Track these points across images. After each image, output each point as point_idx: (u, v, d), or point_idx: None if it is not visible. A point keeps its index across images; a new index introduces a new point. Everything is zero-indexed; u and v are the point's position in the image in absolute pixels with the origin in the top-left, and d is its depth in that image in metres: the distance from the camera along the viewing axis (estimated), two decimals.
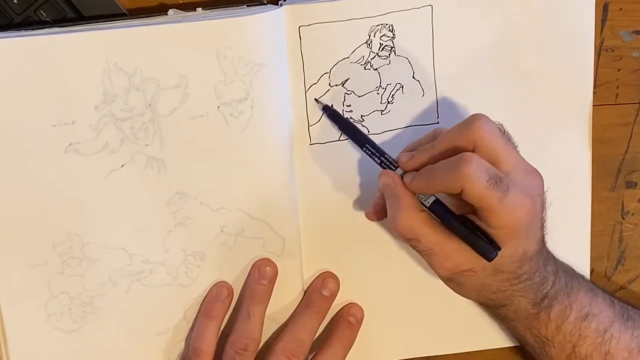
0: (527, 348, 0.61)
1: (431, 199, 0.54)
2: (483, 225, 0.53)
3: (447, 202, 0.55)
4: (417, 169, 0.55)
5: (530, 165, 0.55)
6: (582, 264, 0.65)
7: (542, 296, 0.57)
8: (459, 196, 0.52)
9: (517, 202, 0.52)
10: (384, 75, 0.60)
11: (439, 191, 0.54)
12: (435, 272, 0.56)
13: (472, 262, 0.54)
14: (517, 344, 0.66)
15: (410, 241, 0.55)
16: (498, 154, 0.53)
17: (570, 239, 0.64)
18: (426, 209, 0.55)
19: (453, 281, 0.57)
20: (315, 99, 0.59)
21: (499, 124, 0.55)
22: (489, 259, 0.53)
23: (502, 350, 0.66)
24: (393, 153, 0.57)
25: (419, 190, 0.55)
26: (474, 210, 0.53)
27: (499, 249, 0.53)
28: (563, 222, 0.63)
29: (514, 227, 0.53)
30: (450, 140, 0.54)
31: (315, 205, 0.61)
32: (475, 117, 0.53)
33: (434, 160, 0.54)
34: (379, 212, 0.59)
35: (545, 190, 0.55)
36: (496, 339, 0.66)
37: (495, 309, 0.59)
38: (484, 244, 0.53)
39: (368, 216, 0.60)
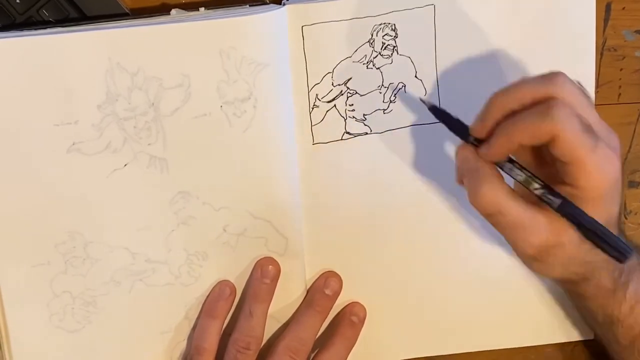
0: (596, 328, 0.60)
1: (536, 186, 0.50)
2: (567, 191, 0.50)
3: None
4: (490, 133, 0.51)
5: (606, 125, 0.52)
6: None
7: (620, 271, 0.55)
8: (535, 157, 0.50)
9: (609, 157, 0.49)
10: (386, 75, 0.60)
11: (523, 143, 0.49)
12: (519, 252, 0.53)
13: (560, 234, 0.51)
14: (520, 345, 0.66)
15: (493, 216, 0.51)
16: (581, 110, 0.49)
17: None
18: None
19: (538, 260, 0.53)
20: (420, 99, 0.57)
21: (578, 82, 0.51)
22: (623, 260, 0.49)
23: (505, 351, 0.66)
24: (392, 154, 0.57)
25: (498, 149, 0.50)
26: (552, 173, 0.50)
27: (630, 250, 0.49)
28: None
29: (604, 187, 0.49)
30: (528, 92, 0.50)
31: (318, 205, 0.61)
32: (556, 73, 0.50)
33: (507, 116, 0.50)
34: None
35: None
36: (499, 339, 0.66)
37: (577, 286, 0.56)
38: (619, 241, 0.49)
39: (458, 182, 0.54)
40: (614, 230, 0.51)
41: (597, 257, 0.52)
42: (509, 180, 0.52)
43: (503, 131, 0.50)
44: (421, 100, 0.57)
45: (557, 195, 0.50)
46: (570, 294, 0.61)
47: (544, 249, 0.52)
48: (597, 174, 0.49)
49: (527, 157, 0.53)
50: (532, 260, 0.53)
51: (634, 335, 0.57)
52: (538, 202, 0.51)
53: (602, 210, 0.50)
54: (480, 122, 0.52)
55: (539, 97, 0.49)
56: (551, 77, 0.50)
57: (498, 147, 0.51)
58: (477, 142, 0.52)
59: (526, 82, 0.51)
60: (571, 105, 0.49)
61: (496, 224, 0.52)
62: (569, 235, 0.51)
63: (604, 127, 0.51)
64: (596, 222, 0.50)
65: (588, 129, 0.49)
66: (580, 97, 0.50)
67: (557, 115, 0.48)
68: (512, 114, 0.50)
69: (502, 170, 0.52)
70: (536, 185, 0.51)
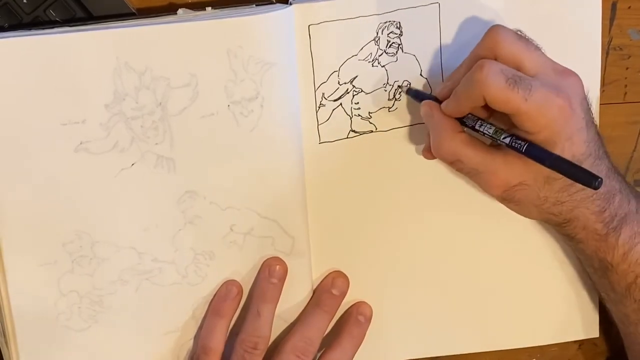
0: (594, 277, 0.60)
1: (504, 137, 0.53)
2: (523, 134, 0.52)
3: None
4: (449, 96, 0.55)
5: (562, 66, 0.54)
6: None
7: (610, 214, 0.55)
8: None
9: (546, 99, 0.51)
10: (392, 73, 0.60)
11: (468, 107, 0.54)
12: (489, 194, 0.56)
13: (520, 174, 0.54)
14: (525, 345, 0.66)
15: (454, 164, 0.56)
16: (518, 57, 0.53)
17: None
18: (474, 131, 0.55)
19: (509, 200, 0.56)
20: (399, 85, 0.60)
21: (517, 30, 0.54)
22: (593, 187, 0.50)
23: (510, 350, 0.66)
24: (397, 152, 0.57)
25: (453, 112, 0.55)
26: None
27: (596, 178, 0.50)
28: None
29: (551, 127, 0.52)
30: (472, 57, 0.55)
31: (325, 204, 0.61)
32: (491, 28, 0.54)
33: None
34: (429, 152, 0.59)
35: (586, 91, 0.54)
36: (504, 339, 0.66)
37: (562, 227, 0.57)
38: (584, 170, 0.51)
39: (424, 155, 0.59)
40: (594, 163, 0.54)
41: (572, 196, 0.54)
42: None
43: (452, 99, 0.55)
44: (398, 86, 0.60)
45: (522, 139, 0.52)
46: (565, 239, 0.60)
47: (508, 189, 0.55)
48: (538, 118, 0.51)
49: (486, 111, 0.55)
50: (503, 201, 0.56)
51: (628, 283, 0.58)
52: (497, 147, 0.54)
53: (562, 148, 0.52)
54: (442, 89, 0.57)
55: (480, 58, 0.53)
56: (486, 33, 0.54)
57: (453, 109, 0.55)
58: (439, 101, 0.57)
59: (472, 50, 0.56)
60: (505, 60, 0.52)
61: (460, 170, 0.56)
62: (532, 174, 0.54)
63: (551, 68, 0.53)
64: (559, 157, 0.51)
65: (515, 80, 0.51)
66: (515, 44, 0.53)
67: (479, 78, 0.51)
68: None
69: (468, 126, 0.55)
70: (503, 135, 0.53)
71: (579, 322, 0.66)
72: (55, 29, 0.56)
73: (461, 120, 0.56)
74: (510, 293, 0.65)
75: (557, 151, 0.52)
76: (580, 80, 0.54)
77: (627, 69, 0.64)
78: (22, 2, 0.57)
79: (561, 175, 0.52)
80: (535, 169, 0.53)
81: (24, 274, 0.59)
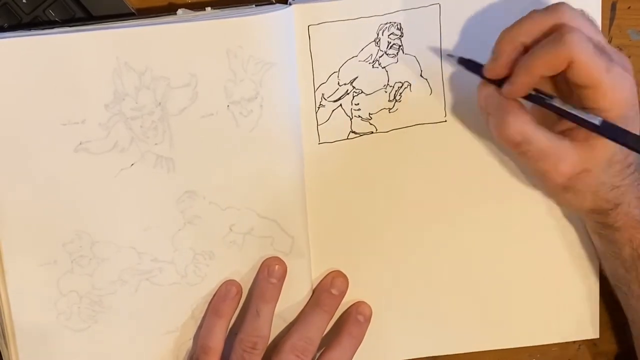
0: (617, 270, 0.59)
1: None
2: (593, 113, 0.51)
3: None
4: (506, 72, 0.53)
5: (615, 48, 0.53)
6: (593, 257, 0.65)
7: None
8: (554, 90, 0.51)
9: (622, 75, 0.50)
10: (392, 74, 0.60)
11: (543, 75, 0.51)
12: (549, 183, 0.54)
13: (586, 160, 0.52)
14: (525, 345, 0.66)
15: (520, 146, 0.52)
16: (590, 34, 0.51)
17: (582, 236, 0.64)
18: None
19: (570, 189, 0.54)
20: (448, 54, 0.58)
21: (581, 10, 0.53)
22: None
23: (510, 350, 0.66)
24: (397, 153, 0.57)
25: (521, 85, 0.52)
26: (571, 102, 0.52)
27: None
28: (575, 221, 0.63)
29: (623, 106, 0.51)
30: (536, 25, 0.51)
31: (324, 204, 0.61)
32: (559, 3, 0.52)
33: (520, 52, 0.51)
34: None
35: None
36: (504, 339, 0.66)
37: (608, 215, 0.56)
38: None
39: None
40: None
41: (624, 180, 0.54)
42: None
43: (523, 67, 0.51)
44: (448, 55, 0.59)
45: (592, 116, 0.51)
46: (600, 228, 0.59)
47: (574, 176, 0.53)
48: (614, 93, 0.50)
49: (547, 90, 0.54)
50: (563, 190, 0.54)
51: None
52: (562, 132, 0.53)
53: (635, 128, 0.52)
54: (494, 61, 0.53)
55: (547, 27, 0.51)
56: (556, 7, 0.52)
57: (520, 84, 0.52)
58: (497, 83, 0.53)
59: (531, 16, 0.52)
60: (581, 30, 0.50)
61: (524, 154, 0.53)
62: (596, 160, 0.52)
63: (614, 50, 0.53)
64: (637, 135, 0.50)
65: (601, 50, 0.50)
66: (587, 22, 0.52)
67: (571, 40, 0.49)
68: (525, 50, 0.51)
69: (531, 101, 0.53)
70: (570, 107, 0.51)
71: (580, 323, 0.66)
72: (55, 29, 0.56)
73: (527, 98, 0.53)
74: (510, 293, 0.65)
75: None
76: (631, 63, 0.54)
77: None
78: (21, 2, 0.57)
79: (619, 159, 0.52)
80: (598, 154, 0.52)
81: (24, 274, 0.59)
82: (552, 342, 0.67)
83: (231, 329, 0.62)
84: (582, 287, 0.65)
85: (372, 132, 0.61)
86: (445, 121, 0.61)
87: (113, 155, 0.57)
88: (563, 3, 0.52)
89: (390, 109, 0.61)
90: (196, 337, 0.62)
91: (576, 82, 0.51)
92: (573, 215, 0.63)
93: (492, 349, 0.66)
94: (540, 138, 0.52)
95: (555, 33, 0.50)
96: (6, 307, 0.59)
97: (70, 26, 0.56)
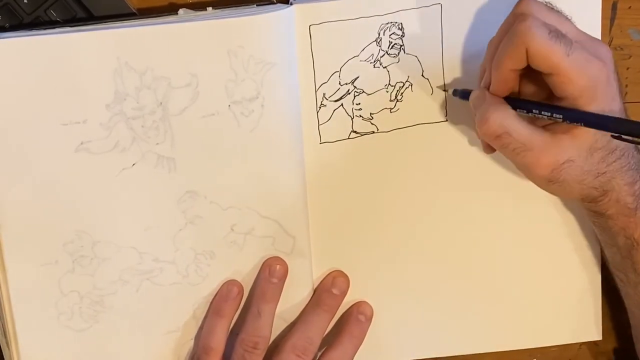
0: (616, 257, 0.59)
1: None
2: (563, 104, 0.52)
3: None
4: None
5: (593, 37, 0.53)
6: (594, 258, 0.65)
7: None
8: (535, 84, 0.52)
9: (587, 59, 0.51)
10: (393, 73, 0.60)
11: (509, 71, 0.52)
12: (533, 176, 0.55)
13: (567, 151, 0.53)
14: (526, 347, 0.66)
15: (501, 138, 0.53)
16: (552, 22, 0.52)
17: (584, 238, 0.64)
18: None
19: (554, 181, 0.54)
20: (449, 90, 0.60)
21: (546, 2, 0.54)
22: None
23: (510, 352, 0.66)
24: (398, 153, 0.57)
25: (498, 83, 0.53)
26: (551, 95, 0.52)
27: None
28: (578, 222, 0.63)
29: (593, 88, 0.51)
30: (504, 26, 0.53)
31: (325, 204, 0.61)
32: (519, 1, 0.53)
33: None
34: (490, 146, 0.57)
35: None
36: (505, 340, 0.66)
37: (597, 202, 0.56)
38: (630, 121, 0.50)
39: (485, 151, 0.58)
40: None
41: (610, 166, 0.54)
42: None
43: (493, 65, 0.53)
44: (445, 91, 0.60)
45: (575, 114, 0.52)
46: (593, 216, 0.59)
47: (556, 168, 0.53)
48: (578, 78, 0.51)
49: (539, 95, 0.54)
50: (548, 182, 0.55)
51: None
52: (544, 126, 0.53)
53: (602, 110, 0.52)
54: (482, 69, 0.56)
55: (511, 23, 0.52)
56: (517, 6, 0.53)
57: (496, 81, 0.53)
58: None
59: (500, 27, 0.54)
60: (538, 17, 0.51)
61: (505, 146, 0.53)
62: (577, 150, 0.53)
63: (584, 37, 0.53)
64: (603, 115, 0.51)
65: (558, 35, 0.50)
66: (549, 11, 0.52)
67: (522, 27, 0.50)
68: None
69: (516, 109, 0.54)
70: (557, 115, 0.52)
71: (583, 325, 0.66)
72: (56, 29, 0.56)
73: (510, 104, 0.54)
74: (512, 294, 0.65)
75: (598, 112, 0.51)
76: (610, 50, 0.54)
77: (627, 69, 0.64)
78: (22, 2, 0.57)
79: (601, 145, 0.52)
80: (579, 144, 0.53)
81: (25, 274, 0.59)
82: (554, 344, 0.67)
83: (232, 329, 0.62)
84: (584, 289, 0.65)
85: (374, 132, 0.61)
86: (447, 121, 0.61)
87: (114, 155, 0.57)
88: (523, 0, 0.53)
89: (391, 108, 0.61)
90: (197, 337, 0.62)
91: (540, 70, 0.51)
92: (576, 215, 0.63)
93: (493, 350, 0.66)
94: (521, 131, 0.53)
95: (514, 24, 0.51)
96: (7, 307, 0.59)
97: (71, 26, 0.56)
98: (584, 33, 0.54)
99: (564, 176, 0.54)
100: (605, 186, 0.55)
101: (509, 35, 0.51)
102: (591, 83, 0.51)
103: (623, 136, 0.50)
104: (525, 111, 0.54)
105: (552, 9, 0.53)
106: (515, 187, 0.62)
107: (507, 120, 0.53)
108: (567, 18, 0.54)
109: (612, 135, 0.50)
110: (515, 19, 0.52)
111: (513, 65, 0.52)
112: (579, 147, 0.53)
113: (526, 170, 0.55)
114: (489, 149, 0.57)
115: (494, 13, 0.59)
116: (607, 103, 0.52)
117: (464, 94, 0.58)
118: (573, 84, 0.51)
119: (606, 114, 0.52)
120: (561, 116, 0.52)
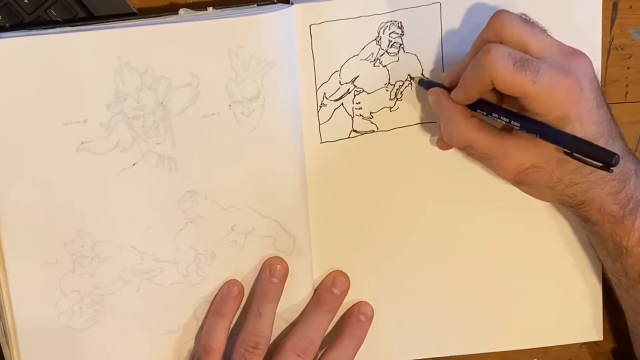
0: (607, 261, 0.59)
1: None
2: (533, 117, 0.52)
3: None
4: (457, 83, 0.55)
5: (569, 47, 0.54)
6: (595, 259, 0.65)
7: (627, 196, 0.55)
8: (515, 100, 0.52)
9: (554, 81, 0.51)
10: (393, 72, 0.60)
11: (477, 93, 0.54)
12: (502, 177, 0.56)
13: (532, 157, 0.54)
14: (526, 347, 0.66)
15: (465, 150, 0.56)
16: (524, 40, 0.53)
17: (584, 239, 0.64)
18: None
19: (523, 183, 0.56)
20: (410, 76, 0.60)
21: (522, 14, 0.54)
22: (609, 168, 0.49)
23: (511, 353, 0.66)
24: (398, 152, 0.57)
25: (461, 100, 0.55)
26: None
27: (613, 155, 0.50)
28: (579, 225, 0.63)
29: (560, 109, 0.52)
30: (478, 43, 0.55)
31: (326, 204, 0.61)
32: (495, 13, 0.54)
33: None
34: (443, 143, 0.59)
35: (594, 70, 0.54)
36: (506, 340, 0.66)
37: (578, 209, 0.56)
38: (600, 149, 0.50)
39: (439, 145, 0.59)
40: (608, 142, 0.53)
41: (585, 177, 0.54)
42: None
43: (460, 85, 0.55)
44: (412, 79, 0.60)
45: (535, 125, 0.52)
46: (581, 221, 0.59)
47: (521, 172, 0.55)
48: (547, 100, 0.51)
49: (496, 95, 0.55)
50: (517, 184, 0.56)
51: None
52: (508, 130, 0.54)
53: (572, 129, 0.52)
54: (448, 75, 0.57)
55: (482, 44, 0.53)
56: (490, 19, 0.54)
57: (462, 96, 0.55)
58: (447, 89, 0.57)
59: (477, 37, 0.55)
60: (510, 44, 0.52)
61: (471, 155, 0.56)
62: (544, 157, 0.53)
63: (557, 50, 0.53)
64: (573, 136, 0.51)
65: (524, 64, 0.51)
66: (520, 27, 0.53)
67: (486, 61, 0.51)
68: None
69: (478, 112, 0.55)
70: (515, 123, 0.53)
71: (583, 325, 0.66)
72: (57, 29, 0.56)
73: (471, 107, 0.55)
74: (513, 295, 0.65)
75: (567, 130, 0.52)
76: (589, 61, 0.54)
77: (628, 68, 0.64)
78: (23, 2, 0.58)
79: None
80: (547, 151, 0.53)
81: (26, 274, 0.59)
82: (555, 344, 0.67)
83: (233, 329, 0.62)
84: (585, 290, 0.65)
85: (374, 131, 0.61)
86: None
87: (114, 155, 0.57)
88: (498, 12, 0.54)
89: (391, 107, 0.61)
90: (198, 337, 0.62)
91: (509, 94, 0.52)
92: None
93: (494, 350, 0.66)
94: (482, 142, 0.55)
95: (478, 54, 0.52)
96: (8, 307, 0.59)
97: (71, 26, 0.56)
98: (560, 45, 0.54)
99: (531, 180, 0.55)
100: (582, 196, 0.55)
101: (474, 63, 0.53)
102: (559, 104, 0.52)
103: (574, 154, 0.51)
104: (485, 113, 0.54)
105: (526, 21, 0.54)
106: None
107: (470, 133, 0.55)
108: (541, 29, 0.54)
109: (564, 152, 0.51)
110: (483, 43, 0.53)
111: (480, 89, 0.53)
112: (546, 156, 0.53)
113: (495, 172, 0.56)
114: (442, 145, 0.59)
115: (493, 11, 0.59)
116: (579, 118, 0.52)
117: (430, 85, 0.59)
118: (541, 104, 0.52)
119: (576, 130, 0.52)
120: (519, 125, 0.53)
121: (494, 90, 0.53)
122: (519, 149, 0.54)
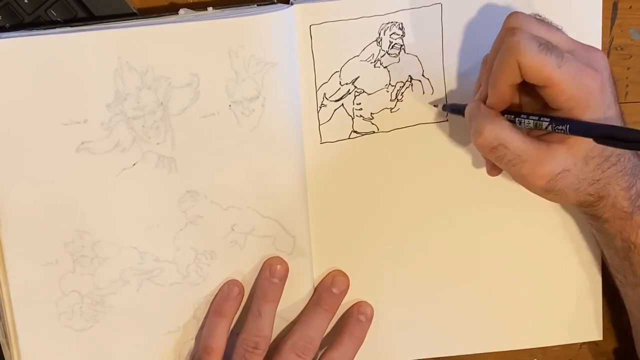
0: (614, 259, 0.59)
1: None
2: (556, 112, 0.52)
3: None
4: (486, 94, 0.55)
5: (586, 44, 0.54)
6: (595, 259, 0.65)
7: (637, 191, 0.55)
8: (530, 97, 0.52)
9: (579, 69, 0.51)
10: (394, 73, 0.60)
11: (506, 87, 0.52)
12: (529, 186, 0.54)
13: (563, 161, 0.53)
14: (527, 347, 0.66)
15: (497, 150, 0.53)
16: (542, 33, 0.52)
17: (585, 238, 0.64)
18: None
19: (551, 191, 0.54)
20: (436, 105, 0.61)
21: (535, 14, 0.54)
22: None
23: (511, 352, 0.66)
24: (399, 153, 0.57)
25: (495, 101, 0.53)
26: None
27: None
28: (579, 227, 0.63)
29: (586, 98, 0.51)
30: (495, 49, 0.54)
31: (326, 204, 0.61)
32: (510, 15, 0.53)
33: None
34: (494, 167, 0.57)
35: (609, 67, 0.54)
36: (506, 340, 0.66)
37: (593, 207, 0.56)
38: (629, 129, 0.48)
39: (489, 172, 0.58)
40: None
41: (605, 172, 0.54)
42: None
43: (490, 83, 0.53)
44: (433, 105, 0.60)
45: (563, 121, 0.51)
46: (590, 219, 0.59)
47: (552, 178, 0.53)
48: (570, 88, 0.51)
49: (535, 106, 0.55)
50: (545, 192, 0.55)
51: None
52: (539, 136, 0.53)
53: (597, 119, 0.52)
54: (476, 92, 0.56)
55: (502, 39, 0.52)
56: (506, 21, 0.53)
57: (494, 97, 0.53)
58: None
59: (492, 44, 0.55)
60: (527, 30, 0.51)
61: (501, 158, 0.53)
62: (574, 157, 0.53)
63: (577, 47, 0.53)
64: (606, 125, 0.50)
65: (549, 47, 0.50)
66: (539, 24, 0.53)
67: (512, 42, 0.50)
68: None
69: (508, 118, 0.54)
70: (545, 123, 0.52)
71: (583, 325, 0.66)
72: (57, 29, 0.56)
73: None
74: (513, 295, 0.65)
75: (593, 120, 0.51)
76: (605, 57, 0.53)
77: (628, 68, 0.64)
78: (23, 2, 0.58)
79: (596, 153, 0.52)
80: (575, 151, 0.53)
81: (26, 274, 0.59)
82: (555, 344, 0.67)
83: (233, 328, 0.62)
84: (585, 289, 0.65)
85: (374, 132, 0.61)
86: (447, 121, 0.61)
87: (114, 155, 0.57)
88: (511, 14, 0.53)
89: (391, 108, 0.61)
90: (198, 337, 0.62)
91: (535, 83, 0.51)
92: (576, 216, 0.63)
93: (494, 350, 0.66)
94: (516, 142, 0.53)
95: (505, 40, 0.52)
96: (8, 307, 0.59)
97: (71, 26, 0.56)
98: (577, 42, 0.54)
99: (560, 185, 0.54)
100: (600, 192, 0.55)
101: (500, 51, 0.52)
102: (584, 93, 0.51)
103: (609, 140, 0.49)
104: (513, 117, 0.54)
105: (541, 21, 0.54)
106: (516, 187, 0.62)
107: (503, 132, 0.53)
108: (557, 29, 0.54)
109: (595, 140, 0.50)
110: (506, 34, 0.52)
111: (508, 80, 0.52)
112: (575, 156, 0.53)
113: (523, 180, 0.55)
114: (494, 170, 0.57)
115: (494, 13, 0.60)
116: (602, 111, 0.52)
117: (454, 109, 0.59)
118: (566, 95, 0.51)
119: (600, 122, 0.51)
120: (548, 120, 0.52)
121: (517, 93, 0.53)
122: (551, 154, 0.53)
